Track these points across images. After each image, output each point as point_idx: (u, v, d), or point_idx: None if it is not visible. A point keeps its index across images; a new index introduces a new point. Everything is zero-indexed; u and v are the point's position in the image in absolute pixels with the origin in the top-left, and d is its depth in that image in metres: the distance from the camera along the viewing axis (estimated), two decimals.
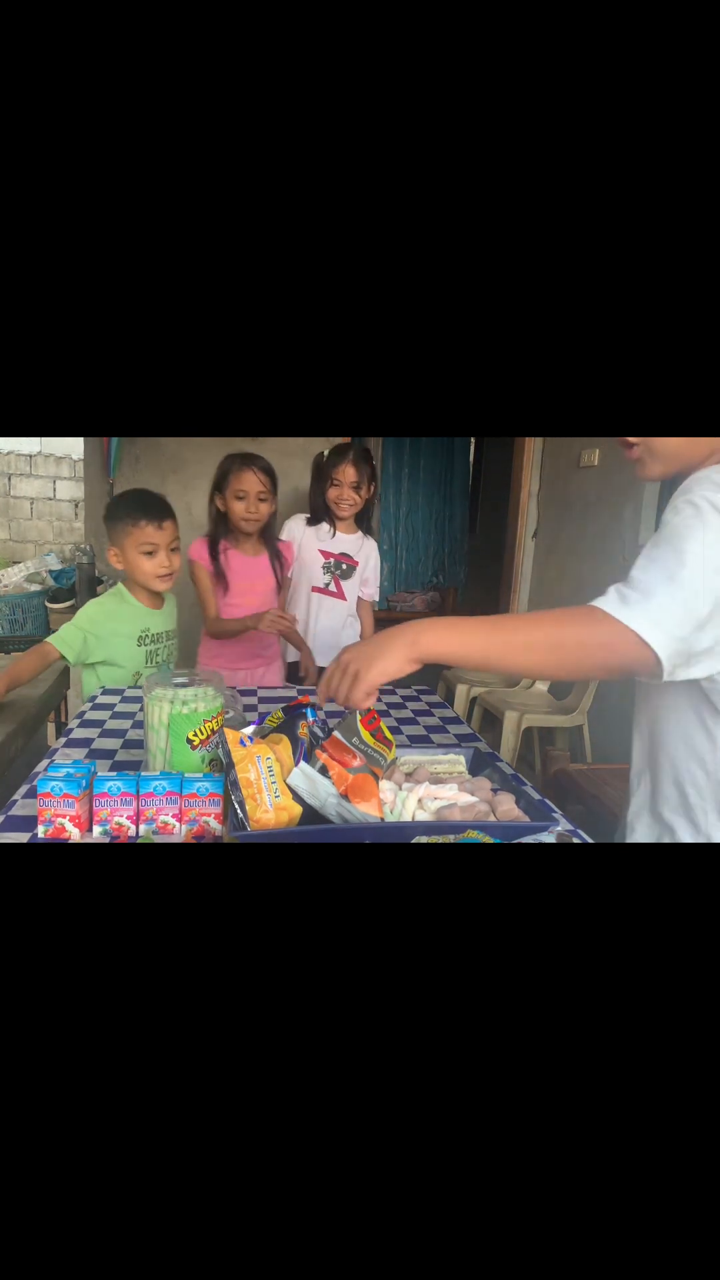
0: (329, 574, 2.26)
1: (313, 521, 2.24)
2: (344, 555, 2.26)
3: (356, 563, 2.28)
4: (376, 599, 2.38)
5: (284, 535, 2.21)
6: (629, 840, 1.03)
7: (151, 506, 1.78)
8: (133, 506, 1.77)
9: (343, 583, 2.28)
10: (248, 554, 2.04)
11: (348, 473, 2.14)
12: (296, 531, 2.25)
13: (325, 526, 2.23)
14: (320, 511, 2.24)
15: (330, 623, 2.27)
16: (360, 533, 2.30)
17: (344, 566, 2.26)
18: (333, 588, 2.27)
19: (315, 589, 2.26)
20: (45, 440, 6.26)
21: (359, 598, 2.34)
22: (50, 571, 4.48)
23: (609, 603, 0.79)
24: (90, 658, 1.72)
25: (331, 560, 2.25)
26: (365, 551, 2.32)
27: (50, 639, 1.68)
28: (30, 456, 6.31)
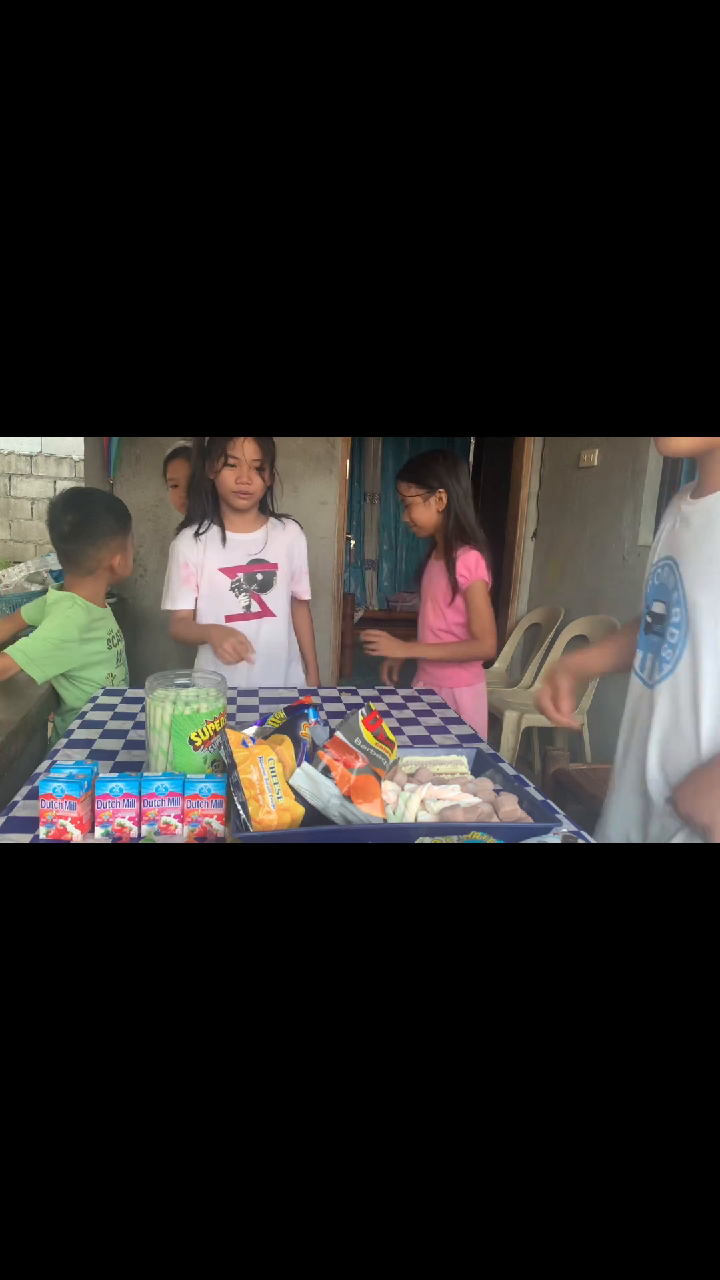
0: (243, 593, 1.74)
1: (201, 531, 1.71)
2: (256, 563, 1.73)
3: (275, 565, 1.75)
4: (309, 596, 1.85)
5: (175, 559, 1.74)
6: (609, 817, 1.13)
7: (120, 507, 1.77)
8: (118, 513, 1.74)
9: (265, 596, 1.75)
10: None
11: (247, 448, 1.62)
12: (187, 552, 1.72)
13: (215, 533, 1.71)
14: (204, 510, 1.70)
15: (270, 646, 1.75)
16: (268, 520, 1.76)
17: (260, 577, 1.74)
18: (255, 607, 1.75)
19: (231, 617, 1.73)
20: (45, 440, 6.26)
21: (294, 597, 1.81)
22: (50, 571, 4.47)
23: None
24: (62, 669, 1.64)
25: (240, 576, 1.73)
26: (284, 541, 1.76)
27: (10, 651, 1.56)
28: (30, 457, 6.31)
